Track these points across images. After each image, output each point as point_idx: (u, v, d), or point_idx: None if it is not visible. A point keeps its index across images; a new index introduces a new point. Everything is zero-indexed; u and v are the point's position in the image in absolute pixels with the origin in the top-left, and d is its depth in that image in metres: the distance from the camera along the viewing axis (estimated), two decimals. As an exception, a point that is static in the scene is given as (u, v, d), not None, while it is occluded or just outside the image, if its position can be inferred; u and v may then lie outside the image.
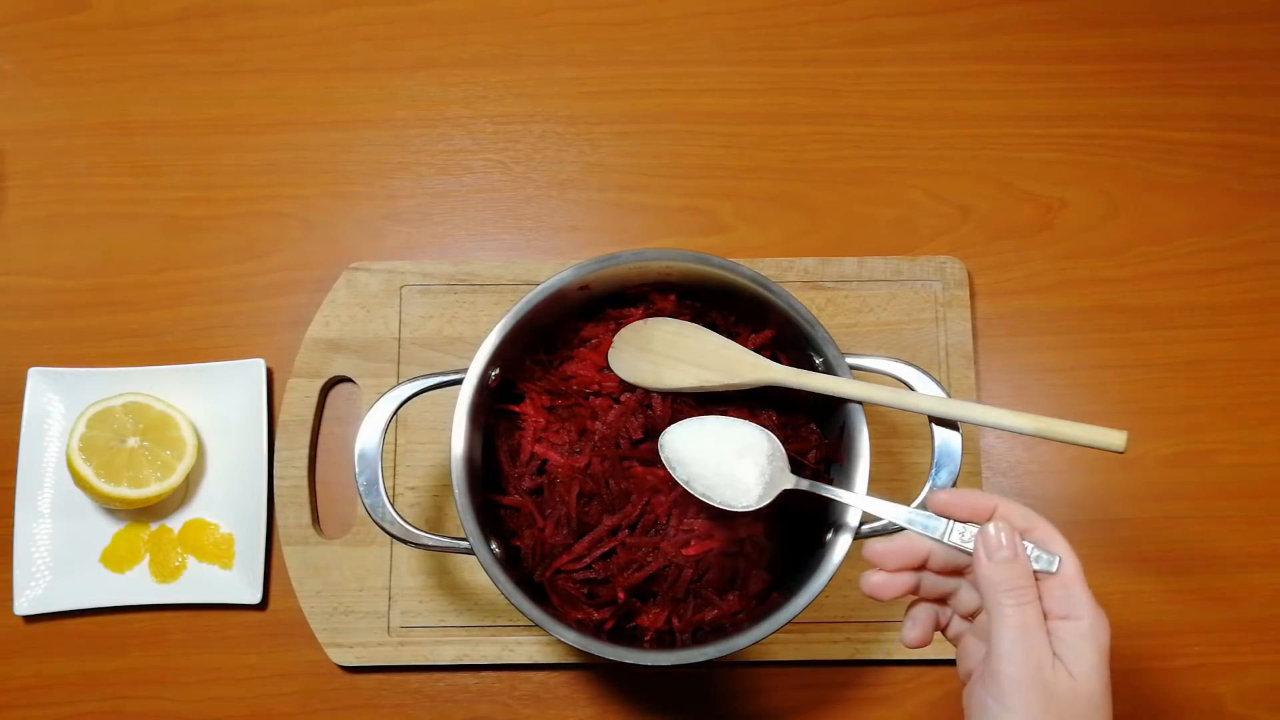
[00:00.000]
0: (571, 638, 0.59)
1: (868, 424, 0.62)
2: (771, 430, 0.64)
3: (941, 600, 0.54)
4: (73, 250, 0.81)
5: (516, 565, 0.63)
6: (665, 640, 0.63)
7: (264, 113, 0.84)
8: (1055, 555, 0.49)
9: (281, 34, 0.86)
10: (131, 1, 0.86)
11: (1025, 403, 0.78)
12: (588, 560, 0.63)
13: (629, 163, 0.83)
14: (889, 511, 0.54)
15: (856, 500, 0.57)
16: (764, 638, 0.59)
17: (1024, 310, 0.80)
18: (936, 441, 0.60)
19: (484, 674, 0.74)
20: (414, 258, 0.81)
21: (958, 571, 0.53)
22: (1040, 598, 0.49)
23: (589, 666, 0.74)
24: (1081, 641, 0.47)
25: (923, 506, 0.53)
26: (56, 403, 0.76)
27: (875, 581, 0.52)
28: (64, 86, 0.84)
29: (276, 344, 0.79)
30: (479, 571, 0.72)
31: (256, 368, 0.76)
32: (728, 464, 0.58)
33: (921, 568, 0.53)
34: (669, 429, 0.60)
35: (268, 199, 0.82)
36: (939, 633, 0.55)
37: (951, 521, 0.52)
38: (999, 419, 0.56)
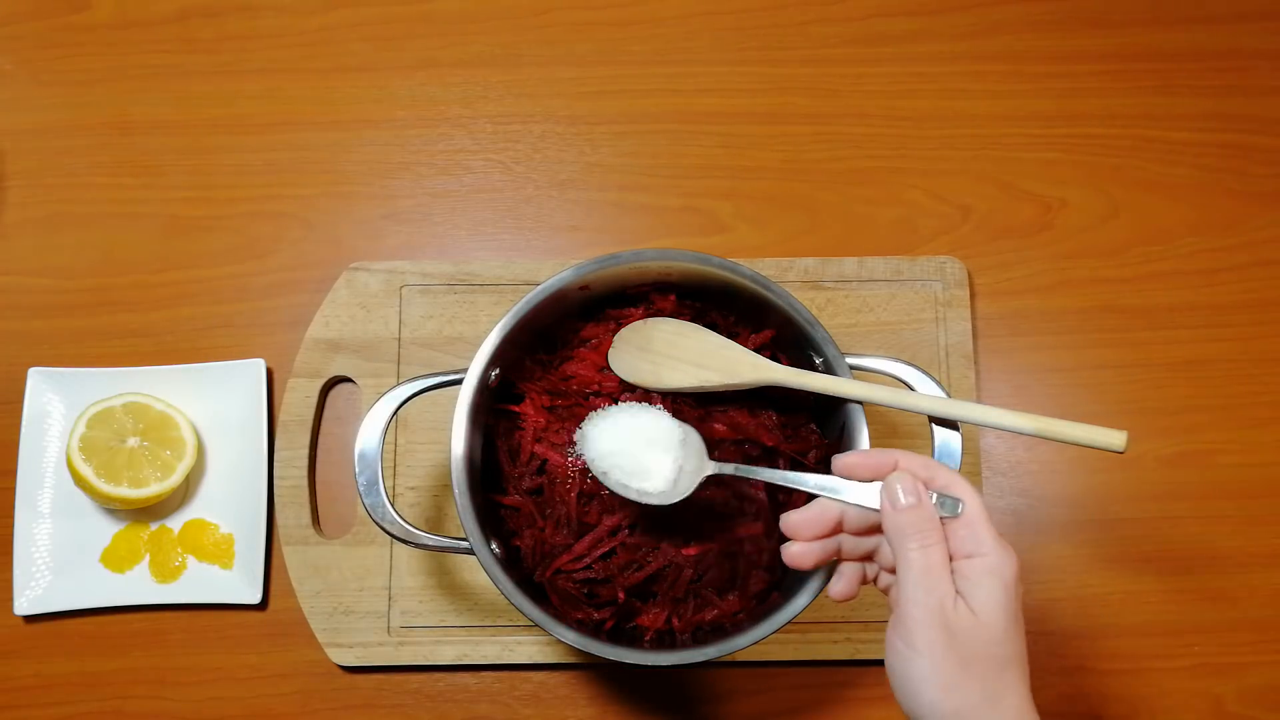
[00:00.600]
0: (571, 638, 0.59)
1: (868, 424, 0.62)
2: (771, 429, 0.65)
3: (867, 558, 0.56)
4: (73, 250, 0.81)
5: (516, 565, 0.63)
6: (665, 640, 0.63)
7: (264, 113, 0.84)
8: (958, 498, 0.51)
9: (281, 34, 0.86)
10: (131, 1, 0.86)
11: (1025, 403, 0.78)
12: (588, 560, 0.63)
13: (629, 163, 0.83)
14: (796, 481, 0.55)
15: (772, 476, 0.57)
16: (764, 638, 0.59)
17: (1024, 310, 0.80)
18: (936, 441, 0.60)
19: (484, 674, 0.74)
20: (414, 258, 0.81)
21: (876, 529, 0.54)
22: (947, 540, 0.50)
23: (589, 666, 0.74)
24: (985, 577, 0.49)
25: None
26: (56, 403, 0.76)
27: (795, 551, 0.54)
28: (64, 86, 0.84)
29: (276, 344, 0.79)
30: (479, 571, 0.72)
31: (256, 368, 0.76)
32: (641, 454, 0.58)
33: (838, 531, 0.54)
34: (585, 421, 0.61)
35: (268, 199, 0.82)
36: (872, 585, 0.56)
37: (856, 482, 0.53)
38: (999, 419, 0.56)
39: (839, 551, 0.55)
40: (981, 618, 0.48)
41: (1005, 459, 0.78)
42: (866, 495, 0.53)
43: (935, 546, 0.50)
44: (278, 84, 0.84)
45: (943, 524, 0.51)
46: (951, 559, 0.50)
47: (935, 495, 0.51)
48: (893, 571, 0.54)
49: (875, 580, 0.56)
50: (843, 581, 0.55)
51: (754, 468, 0.58)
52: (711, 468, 0.58)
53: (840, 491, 0.53)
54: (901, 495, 0.51)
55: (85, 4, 0.86)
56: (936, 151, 0.83)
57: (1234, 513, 0.77)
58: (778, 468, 0.64)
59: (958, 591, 0.49)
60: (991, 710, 0.48)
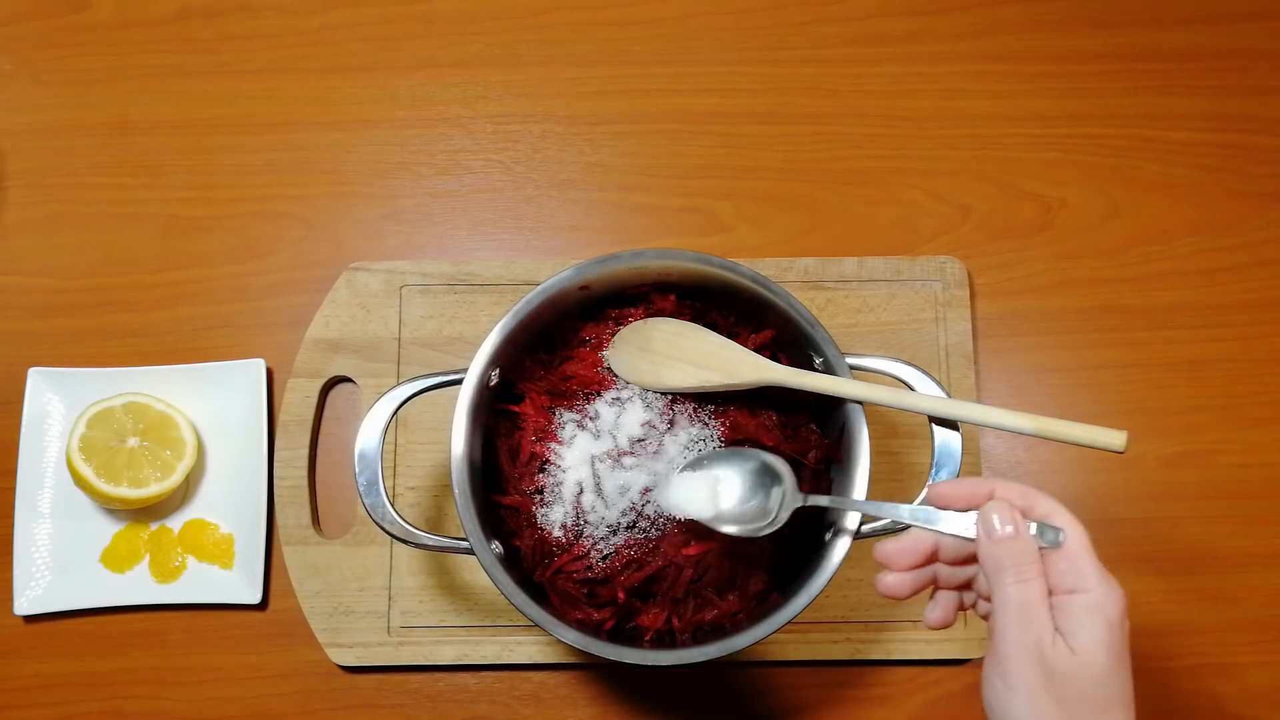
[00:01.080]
0: (571, 638, 0.59)
1: (868, 424, 0.62)
2: (772, 430, 0.65)
3: (965, 586, 0.54)
4: (73, 250, 0.81)
5: (517, 565, 0.63)
6: (665, 640, 0.63)
7: (264, 113, 0.84)
8: (1059, 529, 0.48)
9: (281, 34, 0.86)
10: (131, 1, 0.86)
11: (1025, 403, 0.78)
12: (588, 560, 0.63)
13: (629, 163, 0.83)
14: (892, 512, 0.53)
15: (863, 507, 0.56)
16: (764, 638, 0.59)
17: (1024, 310, 0.80)
18: (936, 441, 0.60)
19: (484, 674, 0.74)
20: (414, 258, 0.81)
21: (973, 558, 0.52)
22: (1046, 573, 0.48)
23: (589, 666, 0.74)
24: (1087, 614, 0.46)
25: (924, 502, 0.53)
26: (56, 403, 0.76)
27: (890, 582, 0.53)
28: (64, 86, 0.84)
29: (276, 344, 0.79)
30: (479, 571, 0.72)
31: (256, 368, 0.76)
32: (737, 495, 0.59)
33: (933, 560, 0.53)
34: (675, 480, 0.60)
35: (268, 199, 0.82)
36: (965, 612, 0.55)
37: (953, 512, 0.51)
38: (999, 419, 0.56)
39: (935, 580, 0.53)
40: (1082, 657, 0.46)
41: (1005, 459, 0.78)
42: (962, 525, 0.50)
43: (1033, 581, 0.47)
44: (278, 84, 0.84)
45: (1042, 555, 0.48)
46: (1052, 593, 0.48)
47: (1034, 525, 0.49)
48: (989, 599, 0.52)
49: (974, 607, 0.54)
50: (939, 610, 0.54)
51: (842, 499, 0.56)
52: (799, 501, 0.58)
53: (935, 521, 0.51)
54: (998, 525, 0.48)
55: (85, 4, 0.86)
56: (936, 151, 0.83)
57: (1234, 513, 0.77)
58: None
59: (1057, 629, 0.47)
60: None
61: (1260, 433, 0.78)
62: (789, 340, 0.65)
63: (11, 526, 0.74)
